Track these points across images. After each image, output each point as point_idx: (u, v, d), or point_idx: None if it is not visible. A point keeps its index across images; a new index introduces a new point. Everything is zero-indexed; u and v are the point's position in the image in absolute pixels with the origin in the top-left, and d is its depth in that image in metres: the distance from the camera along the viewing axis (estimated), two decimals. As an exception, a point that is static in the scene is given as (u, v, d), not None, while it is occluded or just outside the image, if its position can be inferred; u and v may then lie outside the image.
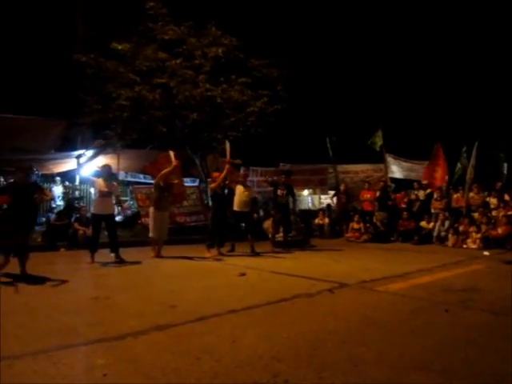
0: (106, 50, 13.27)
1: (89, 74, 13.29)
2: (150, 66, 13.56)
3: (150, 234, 8.68)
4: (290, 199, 10.75)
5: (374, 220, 13.38)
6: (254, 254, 9.09)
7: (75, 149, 14.15)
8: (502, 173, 16.05)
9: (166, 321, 3.68)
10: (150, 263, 7.79)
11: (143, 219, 11.82)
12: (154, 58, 13.50)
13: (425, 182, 13.81)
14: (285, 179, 10.69)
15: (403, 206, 13.16)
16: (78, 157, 13.48)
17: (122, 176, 14.27)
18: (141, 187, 13.10)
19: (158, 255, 8.47)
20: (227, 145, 9.95)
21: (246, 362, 2.78)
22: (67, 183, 14.24)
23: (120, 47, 13.06)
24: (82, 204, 12.36)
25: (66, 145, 14.76)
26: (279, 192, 10.27)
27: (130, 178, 14.79)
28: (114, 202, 8.38)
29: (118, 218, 12.77)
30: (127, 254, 8.89)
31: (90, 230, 10.23)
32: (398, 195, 13.88)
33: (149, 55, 13.41)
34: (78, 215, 10.95)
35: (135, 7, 13.71)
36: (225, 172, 9.24)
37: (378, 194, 13.55)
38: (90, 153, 13.26)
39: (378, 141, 15.49)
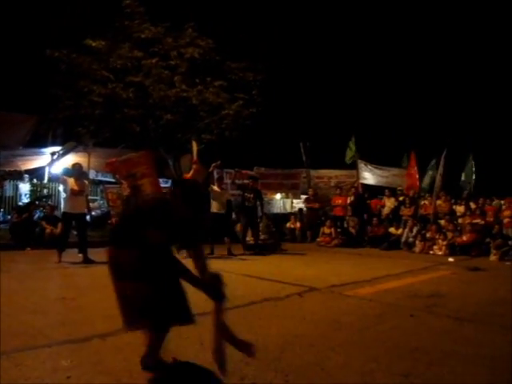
0: (80, 46, 13.05)
1: (61, 69, 13.04)
2: (124, 64, 13.41)
3: None
4: (258, 203, 10.78)
5: (345, 225, 13.58)
6: (231, 255, 9.16)
7: (45, 145, 13.83)
8: (469, 182, 16.56)
9: (133, 323, 3.63)
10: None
11: (113, 219, 11.63)
12: (129, 57, 13.36)
13: (410, 190, 14.08)
14: (252, 184, 10.73)
15: (386, 212, 13.39)
16: (53, 154, 13.15)
17: (92, 175, 14.00)
18: (112, 187, 12.88)
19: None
20: (194, 145, 9.91)
21: (212, 365, 2.77)
22: (35, 181, 13.90)
23: (94, 44, 12.86)
24: (50, 202, 12.07)
25: (36, 141, 14.41)
26: (246, 196, 10.32)
27: (100, 177, 14.54)
28: (85, 201, 8.24)
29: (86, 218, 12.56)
30: (96, 254, 8.70)
31: (58, 228, 10.05)
32: (372, 201, 14.12)
33: (124, 53, 13.26)
34: (43, 213, 10.69)
35: (112, 4, 13.54)
36: (192, 173, 9.19)
37: (350, 199, 13.74)
38: (59, 150, 12.95)
39: (350, 153, 15.81)
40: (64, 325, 3.60)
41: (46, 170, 14.06)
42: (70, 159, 13.21)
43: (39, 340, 3.21)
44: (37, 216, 10.65)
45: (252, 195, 10.34)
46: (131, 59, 13.46)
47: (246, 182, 12.16)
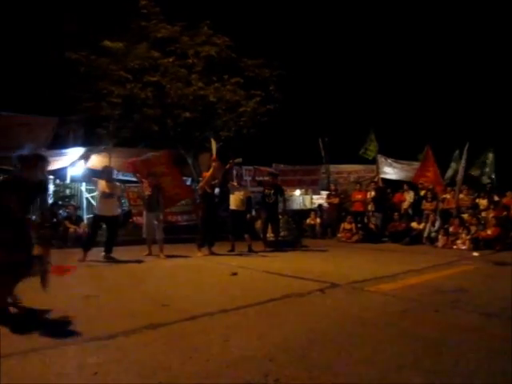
0: (98, 48, 13.21)
1: (80, 71, 13.22)
2: (142, 64, 13.53)
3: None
4: (280, 199, 10.77)
5: (365, 220, 13.48)
6: (252, 252, 9.19)
7: (66, 146, 14.04)
8: (492, 175, 16.20)
9: (157, 320, 3.67)
10: (142, 262, 7.77)
11: (135, 218, 11.78)
12: (147, 57, 13.47)
13: (422, 182, 13.80)
14: (272, 180, 10.71)
15: (405, 207, 13.24)
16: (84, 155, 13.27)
17: (113, 174, 14.15)
18: (133, 186, 13.03)
19: (150, 254, 8.48)
20: (213, 143, 9.95)
21: (237, 362, 2.78)
22: (58, 181, 14.14)
23: (111, 45, 13.01)
24: (72, 202, 12.27)
25: (58, 142, 14.64)
26: (267, 192, 10.31)
27: (121, 177, 14.69)
28: (117, 203, 8.27)
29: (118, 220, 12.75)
30: (119, 252, 8.87)
31: (81, 228, 10.23)
32: (395, 196, 13.94)
33: (141, 53, 13.37)
34: (66, 213, 10.87)
35: (128, 5, 13.67)
36: (211, 170, 9.22)
37: (372, 194, 13.61)
38: (81, 151, 13.15)
39: (373, 148, 15.56)
40: (89, 322, 3.65)
41: (68, 170, 14.28)
42: (93, 159, 13.42)
43: (66, 337, 3.25)
44: (60, 216, 10.84)
45: (272, 191, 10.33)
46: (148, 59, 13.57)
47: (265, 178, 12.18)
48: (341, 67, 23.80)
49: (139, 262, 7.78)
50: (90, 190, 14.13)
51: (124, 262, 7.67)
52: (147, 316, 3.82)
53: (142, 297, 4.73)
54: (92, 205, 13.95)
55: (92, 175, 9.35)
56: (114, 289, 5.24)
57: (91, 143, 13.90)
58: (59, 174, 14.48)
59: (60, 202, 12.08)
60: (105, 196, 7.72)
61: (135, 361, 2.79)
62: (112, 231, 7.98)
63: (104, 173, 8.20)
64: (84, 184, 14.02)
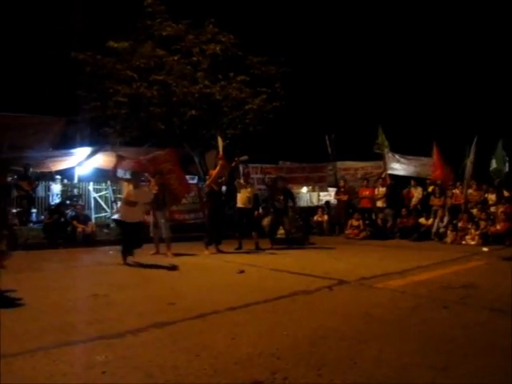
0: (104, 47, 13.25)
1: (87, 71, 13.27)
2: (147, 63, 13.55)
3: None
4: (290, 203, 10.80)
5: (373, 217, 13.42)
6: (259, 250, 9.18)
7: (74, 146, 14.12)
8: (502, 169, 16.01)
9: (164, 318, 3.68)
10: (150, 261, 7.78)
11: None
12: (152, 55, 13.49)
13: (437, 179, 13.68)
14: (282, 185, 10.77)
15: (414, 203, 13.16)
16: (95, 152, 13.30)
17: (120, 174, 14.21)
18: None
19: (157, 253, 8.50)
20: (219, 140, 9.94)
21: (244, 360, 2.77)
22: (66, 181, 14.22)
23: (116, 45, 13.04)
24: (80, 202, 12.33)
25: (65, 142, 14.74)
26: (276, 198, 10.36)
27: (128, 176, 14.73)
28: (142, 208, 7.73)
29: (115, 216, 12.78)
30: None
31: (89, 227, 10.28)
32: (405, 191, 13.85)
33: (146, 52, 13.40)
34: (74, 213, 10.92)
35: (133, 4, 13.70)
36: (218, 168, 9.21)
37: (378, 190, 13.53)
38: (88, 151, 13.21)
39: (385, 142, 15.46)
40: (97, 321, 3.66)
41: (76, 170, 14.36)
42: (99, 158, 13.49)
43: (74, 336, 3.27)
44: (68, 215, 10.90)
45: (282, 197, 10.31)
46: (154, 58, 13.59)
47: (271, 176, 12.17)
48: (347, 63, 23.71)
49: (147, 260, 7.80)
50: (97, 189, 14.20)
51: (132, 260, 7.68)
52: (155, 315, 3.83)
53: (149, 295, 4.73)
54: (99, 204, 14.04)
55: (117, 176, 9.50)
56: (122, 287, 5.25)
57: (98, 142, 13.97)
58: (67, 173, 14.58)
59: (68, 202, 12.13)
60: (128, 204, 7.31)
61: (143, 359, 2.79)
62: (135, 235, 7.40)
63: (133, 177, 7.89)
64: (91, 183, 14.09)
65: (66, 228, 10.27)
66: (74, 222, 10.25)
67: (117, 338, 3.21)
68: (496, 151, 14.64)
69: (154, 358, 2.81)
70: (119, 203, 13.54)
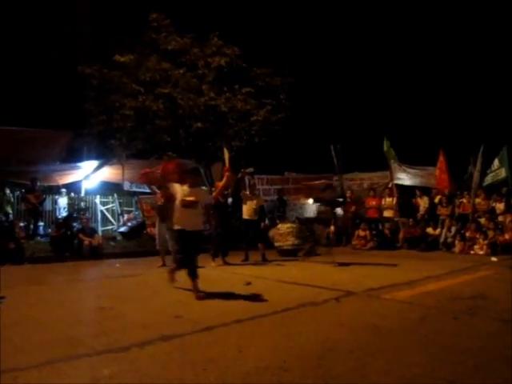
0: (110, 61, 13.41)
1: (93, 85, 13.42)
2: (153, 77, 13.68)
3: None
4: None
5: (380, 227, 13.35)
6: (266, 261, 9.15)
7: (81, 160, 14.24)
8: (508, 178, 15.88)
9: (171, 331, 3.66)
10: (156, 273, 7.77)
11: (149, 229, 11.83)
12: (157, 69, 13.62)
13: (443, 189, 13.55)
14: (330, 195, 10.12)
15: (421, 212, 13.08)
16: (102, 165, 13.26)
17: (126, 186, 14.29)
18: (146, 197, 13.12)
19: (164, 265, 8.49)
20: (225, 152, 9.96)
21: (252, 373, 2.75)
22: (73, 194, 14.31)
23: (122, 59, 13.18)
24: (86, 215, 12.39)
25: (72, 156, 14.86)
26: (322, 209, 9.91)
27: (134, 188, 14.83)
28: (201, 214, 6.20)
29: (122, 229, 12.81)
30: (133, 264, 8.94)
31: (95, 240, 10.30)
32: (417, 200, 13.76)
33: (152, 65, 13.54)
34: (80, 226, 10.96)
35: (138, 18, 13.88)
36: (224, 180, 9.21)
37: (389, 201, 13.47)
38: (95, 164, 13.31)
39: (391, 152, 15.41)
40: (103, 334, 3.65)
41: (83, 183, 14.46)
42: (106, 171, 13.58)
43: (80, 349, 3.26)
44: (75, 228, 10.94)
45: (329, 208, 10.10)
46: (159, 71, 13.72)
47: (277, 187, 12.14)
48: (352, 74, 23.75)
49: (153, 273, 7.79)
50: (104, 202, 14.27)
51: (139, 273, 7.68)
52: (161, 327, 3.81)
53: (156, 308, 4.72)
54: (106, 217, 14.08)
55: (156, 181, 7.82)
56: (129, 300, 5.24)
57: (104, 156, 14.06)
58: (74, 187, 14.68)
59: (75, 215, 12.20)
60: (188, 204, 5.63)
61: (149, 373, 2.77)
62: (195, 248, 5.73)
63: (190, 174, 6.35)
64: (98, 196, 14.17)
65: (73, 241, 10.30)
66: (81, 235, 10.28)
67: (123, 351, 3.20)
68: (502, 158, 14.46)
69: (161, 371, 2.79)
70: (125, 216, 13.65)
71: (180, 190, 5.59)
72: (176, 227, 5.61)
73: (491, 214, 11.72)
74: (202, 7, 17.14)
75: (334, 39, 23.92)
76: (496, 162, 13.61)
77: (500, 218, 11.65)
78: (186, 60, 14.04)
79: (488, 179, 13.61)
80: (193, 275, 5.48)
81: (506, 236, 10.53)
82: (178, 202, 5.56)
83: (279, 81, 14.85)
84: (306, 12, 24.18)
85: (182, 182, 5.91)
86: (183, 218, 5.54)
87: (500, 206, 12.08)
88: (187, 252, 5.59)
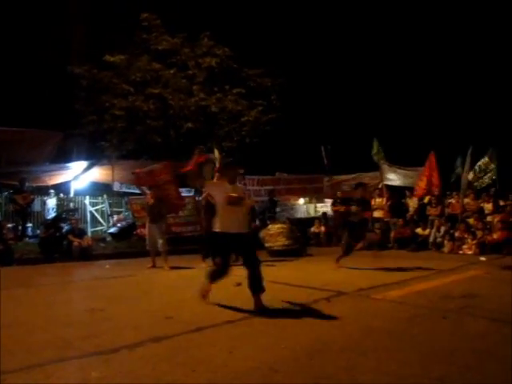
0: (101, 61, 13.33)
1: (83, 85, 13.33)
2: (143, 77, 13.62)
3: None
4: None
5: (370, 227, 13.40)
6: None
7: (70, 160, 14.12)
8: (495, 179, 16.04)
9: (161, 332, 3.64)
10: (146, 274, 7.73)
11: (139, 230, 11.76)
12: (148, 69, 13.57)
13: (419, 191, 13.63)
14: (361, 193, 9.15)
15: (411, 213, 13.17)
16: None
17: (116, 187, 14.21)
18: (136, 198, 13.05)
19: (154, 266, 8.44)
20: (216, 153, 9.96)
21: (242, 373, 2.74)
22: (62, 195, 14.18)
23: (112, 59, 13.11)
24: (76, 216, 12.27)
25: (62, 156, 14.73)
26: (353, 209, 8.72)
27: (124, 189, 14.74)
28: (246, 214, 5.16)
29: (112, 230, 12.72)
30: (123, 265, 8.88)
31: (84, 241, 10.21)
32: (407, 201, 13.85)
33: (142, 66, 13.48)
34: (69, 227, 10.86)
35: (129, 19, 13.83)
36: (215, 180, 9.20)
37: (379, 201, 13.53)
38: (84, 165, 13.21)
39: (380, 153, 15.49)
40: (93, 336, 3.62)
41: (72, 184, 14.32)
42: (95, 172, 13.47)
43: (69, 351, 3.23)
44: (65, 230, 10.83)
45: (360, 207, 9.41)
46: (150, 71, 13.67)
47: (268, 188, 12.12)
48: (342, 75, 23.84)
49: (143, 274, 7.75)
50: (93, 203, 14.16)
51: (128, 274, 7.63)
52: (151, 329, 3.79)
53: (146, 309, 4.69)
54: (95, 218, 13.95)
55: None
56: (119, 302, 5.20)
57: (94, 156, 13.97)
58: (63, 187, 14.54)
59: (64, 215, 12.08)
60: (233, 201, 4.66)
61: (139, 375, 2.75)
62: (249, 258, 4.86)
63: (228, 168, 5.22)
64: (88, 197, 14.06)
65: (62, 242, 10.20)
66: (70, 236, 10.18)
67: (113, 352, 3.17)
68: (493, 158, 14.52)
69: (151, 373, 2.77)
70: (115, 216, 13.55)
71: (221, 188, 4.82)
72: (217, 230, 4.72)
73: (480, 214, 11.83)
74: (193, 8, 17.11)
75: (326, 41, 24.04)
76: (485, 162, 13.79)
77: (488, 218, 11.78)
78: (176, 60, 14.01)
79: (486, 180, 13.78)
80: (258, 289, 4.65)
81: (494, 236, 10.64)
82: (220, 200, 4.71)
83: (270, 82, 14.88)
84: (298, 14, 24.24)
85: (219, 178, 5.34)
86: (228, 218, 4.64)
87: (488, 207, 12.21)
88: (221, 255, 4.81)
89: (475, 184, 13.92)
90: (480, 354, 3.08)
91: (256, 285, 4.67)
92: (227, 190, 4.71)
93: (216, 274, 4.86)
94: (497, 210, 11.76)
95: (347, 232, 8.50)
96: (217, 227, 4.75)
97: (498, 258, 9.51)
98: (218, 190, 4.87)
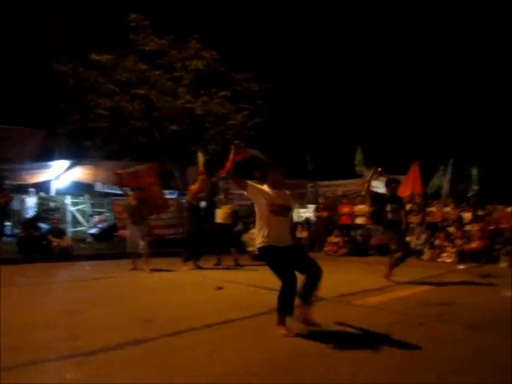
0: (87, 61, 13.22)
1: (69, 83, 13.20)
2: (129, 77, 13.55)
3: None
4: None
5: (352, 234, 13.50)
6: (239, 266, 9.12)
7: (52, 159, 13.92)
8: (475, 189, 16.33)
9: (140, 336, 3.61)
10: (126, 276, 7.66)
11: (121, 231, 11.65)
12: (134, 69, 13.50)
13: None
14: (392, 191, 8.15)
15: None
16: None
17: (98, 187, 14.05)
18: (118, 199, 12.93)
19: (135, 268, 8.37)
20: (200, 156, 9.96)
21: (220, 378, 2.73)
22: (42, 194, 13.95)
23: (98, 58, 13.02)
24: (56, 215, 12.10)
25: (44, 155, 14.51)
26: (391, 208, 7.97)
27: (107, 190, 14.59)
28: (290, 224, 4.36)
29: (93, 231, 12.57)
30: (103, 267, 8.78)
31: (64, 241, 10.06)
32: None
33: (129, 66, 13.41)
34: (49, 226, 10.70)
35: (117, 18, 13.75)
36: (198, 183, 9.21)
37: (362, 208, 13.63)
38: (67, 164, 13.04)
39: (362, 161, 15.67)
40: (70, 338, 3.57)
41: (53, 183, 14.11)
42: (77, 172, 13.30)
43: (46, 354, 3.17)
44: (44, 229, 10.67)
45: (395, 206, 8.04)
46: (136, 72, 13.60)
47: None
48: (328, 82, 24.02)
49: (124, 276, 7.68)
50: (75, 203, 13.98)
51: (108, 276, 7.55)
52: (130, 332, 3.75)
53: (125, 312, 4.64)
54: (76, 218, 13.76)
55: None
56: (98, 304, 5.14)
57: (77, 156, 13.81)
58: (44, 186, 14.31)
59: (43, 215, 11.90)
60: (277, 210, 3.96)
61: (115, 378, 2.72)
62: (314, 267, 4.06)
63: (270, 171, 4.22)
64: (69, 197, 13.87)
65: (41, 242, 10.04)
66: (50, 236, 10.04)
67: (90, 355, 3.13)
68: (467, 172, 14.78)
69: (127, 376, 2.75)
70: (97, 217, 13.39)
71: (263, 193, 4.02)
72: (262, 244, 3.94)
73: (459, 223, 12.02)
74: (182, 11, 17.08)
75: (313, 48, 24.23)
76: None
77: (467, 227, 11.97)
78: (163, 62, 13.97)
79: (475, 188, 14.05)
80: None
81: (473, 245, 10.81)
82: (262, 207, 3.99)
83: (257, 86, 14.92)
84: (284, 20, 24.37)
85: (260, 180, 4.26)
86: (274, 229, 3.92)
87: (467, 216, 12.40)
88: (289, 277, 3.77)
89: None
90: (456, 361, 3.12)
91: (311, 295, 4.02)
92: (271, 197, 3.99)
93: (287, 296, 3.81)
94: (476, 219, 11.96)
95: (396, 234, 7.62)
96: (261, 241, 3.95)
97: (477, 266, 9.67)
98: (259, 196, 4.03)
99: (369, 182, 7.99)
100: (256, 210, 4.09)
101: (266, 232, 3.91)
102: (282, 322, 3.79)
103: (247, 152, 4.35)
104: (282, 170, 4.27)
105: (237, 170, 4.10)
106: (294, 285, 3.78)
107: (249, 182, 4.06)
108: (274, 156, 4.66)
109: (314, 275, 3.98)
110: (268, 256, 3.92)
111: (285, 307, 3.81)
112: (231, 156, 4.23)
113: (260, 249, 3.99)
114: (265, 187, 4.07)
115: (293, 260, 3.92)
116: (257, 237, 4.01)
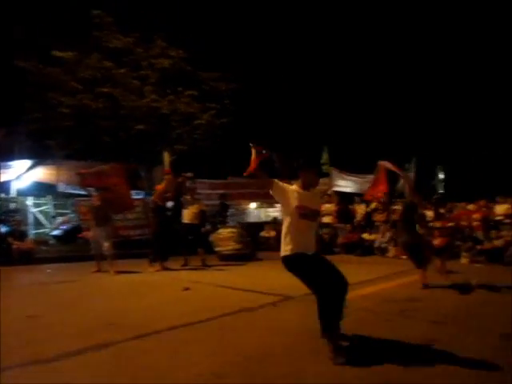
0: (49, 57, 12.83)
1: (30, 80, 12.78)
2: (93, 75, 13.23)
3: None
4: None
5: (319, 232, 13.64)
6: (206, 266, 9.04)
7: (12, 158, 13.45)
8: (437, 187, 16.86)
9: (103, 339, 3.52)
10: (90, 279, 7.48)
11: (85, 233, 11.36)
12: (99, 67, 13.20)
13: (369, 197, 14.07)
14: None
15: (358, 219, 13.48)
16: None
17: (61, 188, 13.67)
18: (83, 200, 12.61)
19: (99, 270, 8.17)
20: (166, 156, 9.86)
21: (184, 380, 2.70)
22: (2, 195, 13.46)
23: (61, 54, 12.66)
24: (17, 217, 11.69)
25: (3, 154, 14.00)
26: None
27: (70, 190, 14.21)
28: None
29: (56, 233, 12.22)
30: (67, 269, 8.54)
31: (26, 244, 9.73)
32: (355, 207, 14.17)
33: (93, 63, 13.10)
34: (9, 228, 10.33)
35: (80, 14, 13.41)
36: (164, 183, 9.10)
37: (328, 207, 13.78)
38: (27, 163, 12.62)
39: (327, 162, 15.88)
40: (31, 344, 3.45)
41: (13, 184, 13.64)
42: (39, 172, 12.90)
43: (7, 360, 3.06)
44: (4, 231, 10.29)
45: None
46: (100, 69, 13.30)
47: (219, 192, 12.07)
48: (295, 81, 24.24)
49: (87, 279, 7.49)
50: (37, 204, 13.56)
51: (71, 279, 7.35)
52: (93, 336, 3.66)
53: (88, 316, 4.52)
54: (38, 220, 13.34)
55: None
56: (60, 308, 4.99)
57: (39, 155, 13.39)
58: (4, 187, 13.80)
59: (3, 217, 11.47)
60: (305, 215, 3.53)
61: (79, 383, 2.64)
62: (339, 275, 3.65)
63: (301, 169, 3.87)
64: (31, 198, 13.44)
65: (1, 245, 9.68)
66: (10, 239, 9.69)
67: (52, 361, 3.04)
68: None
69: (90, 381, 2.68)
70: (60, 218, 13.02)
71: (293, 194, 3.61)
72: (290, 252, 3.48)
73: (423, 220, 12.30)
74: (148, 8, 16.83)
75: (279, 49, 24.36)
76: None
77: (430, 225, 12.27)
78: (129, 60, 13.71)
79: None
80: (329, 330, 3.32)
81: (435, 242, 11.09)
82: (290, 210, 3.55)
83: (224, 85, 14.87)
84: (252, 19, 24.41)
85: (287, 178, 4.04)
86: (301, 235, 3.51)
87: (430, 214, 12.72)
88: (326, 287, 3.42)
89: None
90: (421, 356, 3.19)
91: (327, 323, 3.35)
92: (301, 199, 3.55)
93: (329, 309, 3.39)
94: (437, 217, 12.28)
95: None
96: (288, 249, 3.49)
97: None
98: (287, 197, 3.60)
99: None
100: (282, 212, 3.77)
101: (293, 238, 3.48)
102: (337, 347, 3.15)
103: (266, 154, 4.02)
104: (316, 169, 3.93)
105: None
106: (334, 294, 3.39)
107: (275, 180, 3.68)
108: (306, 154, 3.99)
109: (341, 288, 3.53)
110: (298, 265, 3.49)
111: (330, 325, 3.29)
112: (253, 156, 3.95)
113: (287, 258, 3.50)
114: (294, 187, 3.68)
115: (322, 270, 3.47)
116: (282, 243, 3.55)
